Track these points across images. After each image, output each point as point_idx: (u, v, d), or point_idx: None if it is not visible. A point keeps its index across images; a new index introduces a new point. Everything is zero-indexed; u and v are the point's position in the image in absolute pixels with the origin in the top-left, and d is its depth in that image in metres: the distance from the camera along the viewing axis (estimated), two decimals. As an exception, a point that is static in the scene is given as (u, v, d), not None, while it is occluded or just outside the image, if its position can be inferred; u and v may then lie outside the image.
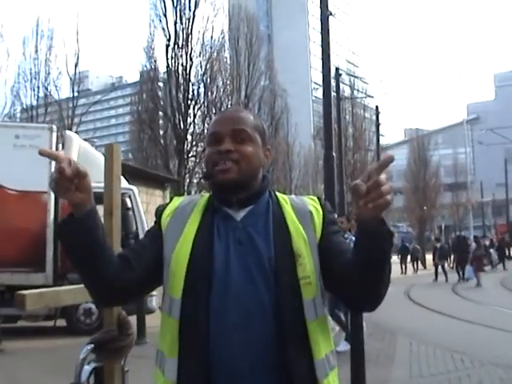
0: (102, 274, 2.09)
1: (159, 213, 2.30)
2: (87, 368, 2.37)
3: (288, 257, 2.09)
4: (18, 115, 39.00)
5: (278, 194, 2.33)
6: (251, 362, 1.98)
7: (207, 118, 35.40)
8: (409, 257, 43.15)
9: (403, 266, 41.58)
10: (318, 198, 2.35)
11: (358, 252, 2.03)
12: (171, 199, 2.37)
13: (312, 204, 2.29)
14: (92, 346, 2.36)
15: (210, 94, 36.28)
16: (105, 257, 2.10)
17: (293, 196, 2.37)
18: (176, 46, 34.56)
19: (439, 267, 33.04)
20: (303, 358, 2.03)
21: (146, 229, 11.62)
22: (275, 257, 2.09)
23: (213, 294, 2.04)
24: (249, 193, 2.21)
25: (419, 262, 43.58)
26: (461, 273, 31.09)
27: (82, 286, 2.47)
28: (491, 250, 39.50)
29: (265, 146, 2.32)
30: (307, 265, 2.10)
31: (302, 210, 2.25)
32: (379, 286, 2.06)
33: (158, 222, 2.28)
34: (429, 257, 41.83)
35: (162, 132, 37.17)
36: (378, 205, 1.92)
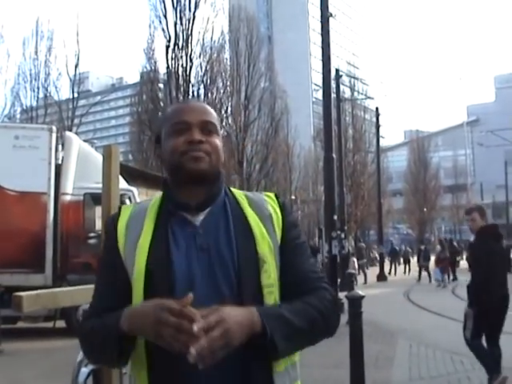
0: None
1: (111, 231, 2.07)
2: (85, 370, 2.36)
3: (252, 262, 1.95)
4: (18, 116, 39.07)
5: (233, 190, 2.18)
6: (217, 373, 1.85)
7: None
8: (401, 259, 44.59)
9: (392, 268, 42.76)
10: (276, 196, 2.18)
11: None
12: (119, 209, 2.13)
13: (270, 204, 2.13)
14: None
15: (210, 95, 36.29)
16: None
17: (249, 193, 2.21)
18: (176, 47, 34.56)
19: (423, 269, 34.63)
20: (263, 369, 1.91)
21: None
22: (238, 263, 1.95)
23: None
24: (210, 193, 2.05)
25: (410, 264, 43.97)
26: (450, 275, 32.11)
27: (80, 287, 2.45)
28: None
29: (222, 142, 2.14)
30: (272, 272, 1.98)
31: (261, 210, 2.10)
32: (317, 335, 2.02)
33: (111, 239, 2.05)
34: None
35: (161, 133, 37.23)
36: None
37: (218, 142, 2.06)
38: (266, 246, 2.00)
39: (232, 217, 2.05)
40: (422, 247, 36.50)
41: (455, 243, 37.03)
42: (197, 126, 2.03)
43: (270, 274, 1.97)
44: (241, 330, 1.75)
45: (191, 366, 1.70)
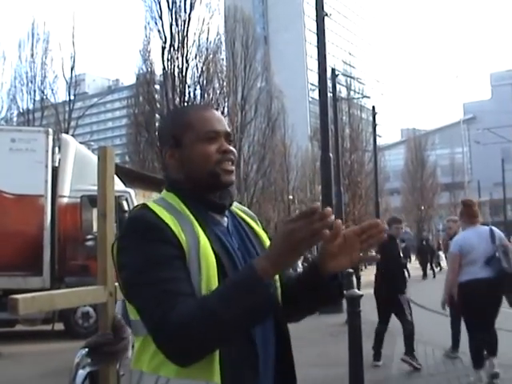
0: None
1: (162, 223, 1.95)
2: (82, 372, 2.35)
3: None
4: (15, 119, 39.07)
5: None
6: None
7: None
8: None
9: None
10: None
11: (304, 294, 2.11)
12: (147, 207, 2.02)
13: (242, 210, 2.31)
14: (87, 350, 2.35)
15: (206, 96, 36.27)
16: None
17: None
18: (172, 49, 34.57)
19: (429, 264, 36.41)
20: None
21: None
22: None
23: None
24: (232, 196, 2.18)
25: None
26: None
27: (77, 289, 2.45)
28: (440, 253, 39.85)
29: None
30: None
31: (249, 213, 2.31)
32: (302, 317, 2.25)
33: (167, 233, 1.94)
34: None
35: (158, 134, 37.22)
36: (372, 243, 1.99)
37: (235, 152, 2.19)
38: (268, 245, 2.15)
39: (238, 220, 2.21)
40: (403, 245, 36.61)
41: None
42: (223, 136, 2.14)
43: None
44: None
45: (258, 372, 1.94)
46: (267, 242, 2.18)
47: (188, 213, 2.03)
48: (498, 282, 7.87)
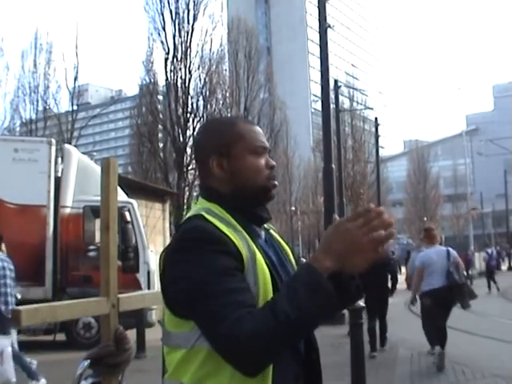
0: None
1: (223, 236, 1.95)
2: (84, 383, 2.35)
3: None
4: (18, 129, 39.07)
5: None
6: None
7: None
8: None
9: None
10: None
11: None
12: (204, 218, 2.00)
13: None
14: (89, 361, 2.34)
15: (209, 106, 36.32)
16: None
17: None
18: (175, 60, 34.64)
19: None
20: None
21: (145, 242, 11.54)
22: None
23: None
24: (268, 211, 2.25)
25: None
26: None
27: (80, 300, 2.45)
28: None
29: None
30: None
31: (274, 228, 2.37)
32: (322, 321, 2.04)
33: (229, 245, 1.94)
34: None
35: (161, 145, 37.22)
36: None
37: None
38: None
39: (272, 235, 2.28)
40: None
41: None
42: (267, 152, 2.22)
43: None
44: None
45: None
46: (291, 257, 2.25)
47: (238, 225, 2.05)
48: (450, 290, 10.50)
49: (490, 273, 32.22)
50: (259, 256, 1.98)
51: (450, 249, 11.31)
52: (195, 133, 33.51)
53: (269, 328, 1.77)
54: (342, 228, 1.83)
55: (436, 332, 10.89)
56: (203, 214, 2.02)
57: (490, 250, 34.99)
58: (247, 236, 2.01)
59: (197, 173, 35.77)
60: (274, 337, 1.78)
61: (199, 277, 1.89)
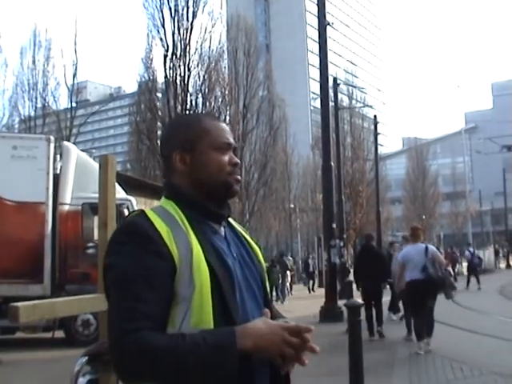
0: None
1: (155, 233, 1.95)
2: (82, 380, 2.35)
3: (263, 272, 2.17)
4: (16, 126, 39.05)
5: None
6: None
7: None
8: None
9: None
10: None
11: None
12: (145, 214, 2.04)
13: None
14: (87, 358, 2.34)
15: (208, 104, 36.26)
16: None
17: None
18: (174, 57, 34.59)
19: None
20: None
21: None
22: (260, 271, 2.18)
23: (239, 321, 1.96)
24: (230, 207, 2.24)
25: None
26: None
27: (78, 297, 2.45)
28: None
29: None
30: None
31: (240, 226, 2.35)
32: None
33: (158, 244, 1.93)
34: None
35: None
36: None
37: None
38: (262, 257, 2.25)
39: (234, 230, 2.23)
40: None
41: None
42: (232, 149, 2.21)
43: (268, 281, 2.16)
44: None
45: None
46: (258, 252, 2.24)
47: (186, 222, 2.02)
48: (426, 282, 11.91)
49: (472, 270, 33.47)
50: (197, 254, 1.94)
51: (430, 246, 12.86)
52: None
53: (159, 354, 1.79)
54: (279, 333, 1.88)
55: (414, 323, 12.57)
56: (146, 210, 2.07)
57: (471, 249, 36.85)
58: (192, 234, 1.99)
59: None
60: (160, 366, 1.79)
61: (119, 272, 1.91)
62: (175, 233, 1.97)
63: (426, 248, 12.32)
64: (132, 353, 1.79)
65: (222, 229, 2.14)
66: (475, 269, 33.31)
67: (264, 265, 2.23)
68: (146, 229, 1.95)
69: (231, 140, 2.21)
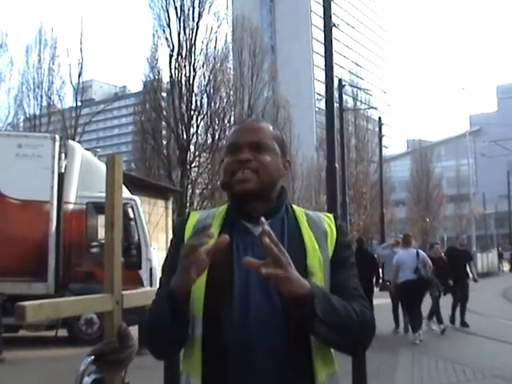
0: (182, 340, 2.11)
1: (180, 232, 2.24)
2: (87, 380, 2.35)
3: (301, 274, 2.00)
4: (21, 124, 39.10)
5: (294, 207, 2.32)
6: (266, 372, 2.02)
7: (210, 129, 35.50)
8: None
9: None
10: (334, 217, 2.32)
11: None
12: (188, 214, 2.32)
13: (328, 223, 2.27)
14: (92, 357, 2.35)
15: (213, 104, 36.29)
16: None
17: (309, 211, 2.34)
18: (179, 57, 34.62)
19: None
20: (304, 376, 2.05)
21: (148, 239, 11.60)
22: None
23: (234, 311, 2.03)
24: (268, 206, 2.19)
25: None
26: None
27: (83, 296, 2.46)
28: None
29: (284, 157, 2.31)
30: (318, 284, 2.06)
31: (318, 228, 2.23)
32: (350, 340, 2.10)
33: (179, 239, 2.21)
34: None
35: (164, 142, 37.13)
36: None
37: (269, 158, 2.20)
38: (316, 261, 2.14)
39: (288, 231, 2.19)
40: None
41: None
42: (246, 147, 2.18)
43: None
44: (295, 283, 1.92)
45: (241, 369, 2.00)
46: (306, 252, 2.14)
47: (216, 222, 2.19)
48: (418, 282, 13.93)
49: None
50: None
51: (420, 251, 15.16)
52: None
53: (142, 324, 2.14)
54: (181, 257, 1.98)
55: (410, 318, 14.46)
56: (193, 211, 2.37)
57: None
58: (215, 229, 2.10)
59: (200, 170, 36.06)
60: (144, 333, 2.13)
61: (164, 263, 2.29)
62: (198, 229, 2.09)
63: (417, 252, 14.52)
64: (140, 328, 2.20)
65: (260, 228, 2.01)
66: None
67: (311, 263, 2.12)
68: (177, 227, 2.31)
69: (240, 139, 2.21)
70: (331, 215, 2.33)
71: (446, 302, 16.51)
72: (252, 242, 2.12)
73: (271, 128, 2.30)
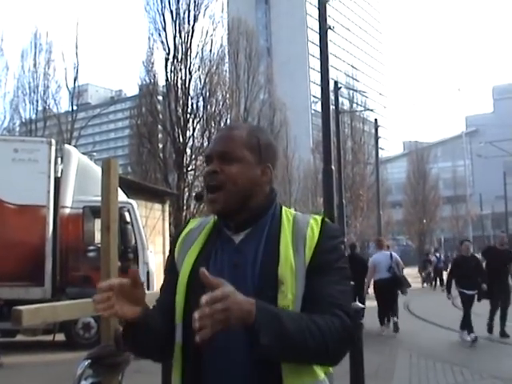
0: (156, 346, 2.18)
1: (173, 248, 2.32)
2: (84, 383, 2.35)
3: (272, 284, 2.03)
4: (17, 129, 39.01)
5: (285, 210, 2.27)
6: (239, 375, 2.03)
7: (206, 132, 35.43)
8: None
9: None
10: (322, 220, 2.23)
11: None
12: (187, 222, 2.37)
13: (312, 226, 2.18)
14: (89, 361, 2.35)
15: (209, 107, 36.21)
16: (157, 333, 2.14)
17: (299, 214, 2.29)
18: (175, 60, 34.56)
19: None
20: (271, 373, 2.01)
21: (145, 243, 11.61)
22: (259, 283, 2.05)
23: None
24: (246, 215, 2.17)
25: None
26: None
27: (79, 300, 2.46)
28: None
29: (262, 163, 2.21)
30: (288, 293, 2.03)
31: (300, 233, 2.16)
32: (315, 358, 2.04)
33: (172, 252, 2.31)
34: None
35: (161, 146, 37.09)
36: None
37: (235, 169, 2.15)
38: (288, 268, 2.07)
39: (265, 238, 2.15)
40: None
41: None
42: (216, 158, 2.18)
43: (287, 295, 2.03)
44: (240, 313, 1.80)
45: (216, 374, 2.03)
46: (279, 259, 2.09)
47: (205, 231, 2.26)
48: (392, 280, 15.98)
49: (437, 274, 38.64)
50: (190, 254, 2.20)
51: (393, 253, 17.29)
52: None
53: None
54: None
55: (386, 311, 16.35)
56: (192, 218, 2.43)
57: (438, 254, 42.11)
58: (195, 243, 2.23)
59: (196, 173, 36.05)
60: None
61: None
62: (188, 238, 2.27)
63: (391, 254, 16.69)
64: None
65: (240, 236, 2.17)
66: (441, 273, 37.72)
67: (280, 270, 2.06)
68: (174, 234, 2.44)
69: (210, 150, 2.21)
70: (319, 218, 2.26)
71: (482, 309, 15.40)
72: (231, 250, 2.16)
73: (244, 135, 2.22)
